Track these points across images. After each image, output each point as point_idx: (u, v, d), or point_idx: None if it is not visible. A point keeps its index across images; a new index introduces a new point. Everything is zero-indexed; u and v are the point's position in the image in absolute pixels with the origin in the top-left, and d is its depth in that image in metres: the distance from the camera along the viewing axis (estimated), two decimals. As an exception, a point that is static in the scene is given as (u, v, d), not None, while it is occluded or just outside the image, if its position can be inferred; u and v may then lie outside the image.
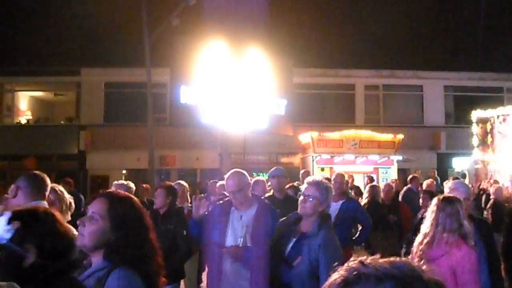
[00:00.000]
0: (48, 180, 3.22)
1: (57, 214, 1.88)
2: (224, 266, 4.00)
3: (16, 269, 1.61)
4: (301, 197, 3.53)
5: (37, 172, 3.27)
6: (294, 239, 3.51)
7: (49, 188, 3.26)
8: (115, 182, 6.32)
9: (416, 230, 3.80)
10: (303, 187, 3.64)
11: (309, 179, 3.69)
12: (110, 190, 3.08)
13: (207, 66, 12.89)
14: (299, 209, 3.53)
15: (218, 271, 4.04)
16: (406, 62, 20.16)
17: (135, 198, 2.26)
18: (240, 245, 3.96)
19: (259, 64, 13.95)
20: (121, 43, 17.82)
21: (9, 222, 1.68)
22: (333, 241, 3.42)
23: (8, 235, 1.66)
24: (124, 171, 17.72)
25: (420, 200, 6.68)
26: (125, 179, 7.47)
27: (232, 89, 13.16)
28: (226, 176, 4.15)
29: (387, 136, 15.00)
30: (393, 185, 8.57)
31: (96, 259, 2.03)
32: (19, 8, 18.73)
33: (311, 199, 3.45)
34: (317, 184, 3.52)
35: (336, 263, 3.06)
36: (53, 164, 17.87)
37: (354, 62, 19.51)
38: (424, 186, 8.41)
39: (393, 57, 20.20)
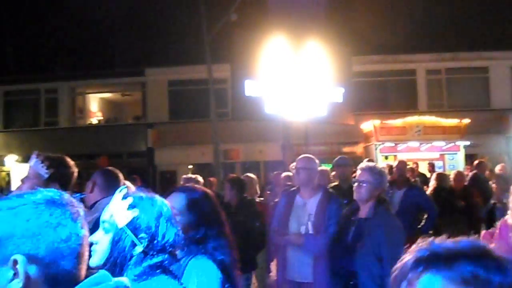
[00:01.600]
0: (121, 176, 3.36)
1: None
2: (288, 254, 4.09)
3: (125, 256, 1.63)
4: (355, 184, 3.59)
5: (110, 168, 3.45)
6: (354, 227, 3.56)
7: (122, 183, 3.33)
8: (184, 176, 6.47)
9: (490, 216, 3.73)
10: (357, 174, 3.69)
11: (362, 165, 3.75)
12: (186, 185, 3.18)
13: (267, 58, 13.04)
14: (354, 195, 3.60)
15: (283, 259, 4.14)
16: (469, 43, 19.26)
17: (209, 191, 2.37)
18: (303, 233, 4.02)
19: (318, 54, 13.94)
20: (182, 41, 18.34)
21: (129, 207, 1.69)
22: (393, 221, 3.47)
23: (126, 220, 1.67)
24: (190, 166, 18.29)
25: (493, 185, 6.46)
26: (192, 174, 7.73)
27: (292, 80, 13.23)
28: (299, 158, 4.25)
29: (452, 121, 14.55)
30: (467, 171, 8.28)
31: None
32: (87, 17, 19.68)
33: (365, 184, 3.49)
34: (370, 169, 3.57)
35: (398, 243, 3.13)
36: (123, 161, 18.75)
37: (414, 47, 18.91)
38: (497, 171, 8.10)
39: (455, 39, 19.38)
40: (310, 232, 3.99)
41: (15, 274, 0.96)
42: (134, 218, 1.67)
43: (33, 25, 20.80)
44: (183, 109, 19.21)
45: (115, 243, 1.65)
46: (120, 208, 1.69)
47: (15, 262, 0.96)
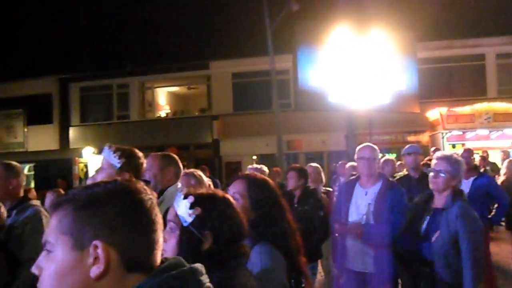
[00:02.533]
0: (180, 163, 3.42)
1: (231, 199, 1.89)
2: (348, 243, 4.09)
3: (194, 253, 1.64)
4: (432, 173, 3.49)
5: (167, 153, 3.52)
6: (429, 216, 3.50)
7: (181, 170, 3.44)
8: (250, 166, 6.57)
9: None
10: (432, 163, 3.60)
11: (438, 153, 3.67)
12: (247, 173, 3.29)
13: (330, 47, 12.98)
14: (430, 185, 3.51)
15: (342, 248, 4.14)
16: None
17: (270, 180, 2.40)
18: (363, 223, 3.98)
19: (382, 41, 13.73)
20: (245, 34, 18.65)
21: (191, 206, 1.71)
22: (470, 211, 3.38)
23: (190, 219, 1.70)
24: (254, 157, 18.63)
25: None
26: (256, 164, 7.91)
27: (356, 68, 13.12)
28: (359, 147, 4.25)
29: (525, 107, 13.87)
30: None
31: None
32: (154, 14, 20.46)
33: (442, 174, 3.41)
34: (447, 158, 3.49)
35: (478, 234, 3.17)
36: (190, 153, 19.44)
37: (482, 30, 18.04)
38: None
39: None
40: (371, 222, 3.96)
41: (96, 259, 0.99)
42: (198, 216, 1.70)
43: (105, 24, 21.94)
44: (247, 100, 19.56)
45: (182, 242, 1.69)
46: (183, 207, 1.72)
47: (95, 247, 0.99)
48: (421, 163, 6.06)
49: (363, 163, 4.14)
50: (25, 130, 22.01)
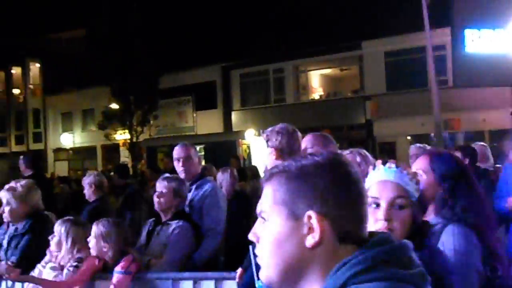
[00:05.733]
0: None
1: None
2: None
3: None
4: None
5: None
6: None
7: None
8: (413, 145, 6.37)
9: None
10: None
11: None
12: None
13: (492, 17, 11.95)
14: None
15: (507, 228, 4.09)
16: None
17: (454, 154, 2.39)
18: None
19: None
20: (397, 10, 18.21)
21: (417, 183, 1.76)
22: None
23: (417, 194, 1.73)
24: (409, 137, 18.31)
25: None
26: (410, 145, 7.87)
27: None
28: None
29: None
30: None
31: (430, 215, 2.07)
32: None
33: None
34: None
35: None
36: (344, 134, 19.80)
37: None
38: None
39: None
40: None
41: (310, 229, 1.02)
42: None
43: (260, 12, 23.26)
44: (400, 79, 19.18)
45: (414, 217, 1.74)
46: (411, 183, 1.76)
47: (309, 217, 1.02)
48: None
49: None
50: (194, 115, 24.66)
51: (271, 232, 1.06)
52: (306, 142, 3.17)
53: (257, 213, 1.11)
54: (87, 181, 5.50)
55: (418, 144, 6.31)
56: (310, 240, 1.02)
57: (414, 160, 5.83)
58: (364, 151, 3.23)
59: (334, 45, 20.58)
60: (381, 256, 0.99)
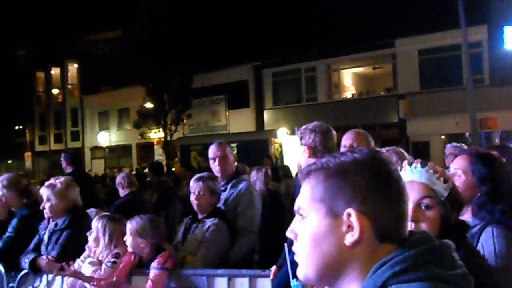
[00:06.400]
0: None
1: None
2: None
3: (443, 227, 1.62)
4: None
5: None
6: None
7: None
8: (449, 144, 6.33)
9: None
10: None
11: None
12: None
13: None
14: None
15: None
16: None
17: (494, 154, 2.32)
18: None
19: None
20: (431, 7, 17.97)
21: (445, 181, 1.68)
22: None
23: (446, 193, 1.67)
24: (443, 136, 18.02)
25: None
26: (444, 144, 7.79)
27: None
28: None
29: None
30: None
31: (466, 216, 2.01)
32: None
33: None
34: None
35: None
36: (376, 133, 19.58)
37: None
38: None
39: None
40: None
41: (349, 227, 1.00)
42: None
43: (290, 11, 23.32)
44: (434, 77, 18.89)
45: (443, 217, 1.68)
46: (438, 182, 1.69)
47: (349, 215, 1.00)
48: None
49: None
50: (227, 114, 24.92)
51: (309, 229, 1.05)
52: (349, 139, 3.17)
53: (294, 210, 1.10)
54: (117, 180, 6.20)
55: (454, 144, 6.20)
56: (349, 238, 1.00)
57: (450, 160, 5.68)
58: (401, 149, 3.19)
59: (367, 43, 20.44)
60: (423, 256, 0.97)
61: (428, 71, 19.10)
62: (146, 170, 16.36)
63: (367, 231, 1.00)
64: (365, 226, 1.00)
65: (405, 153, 3.06)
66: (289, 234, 1.10)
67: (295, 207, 1.10)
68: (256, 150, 17.19)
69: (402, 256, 0.96)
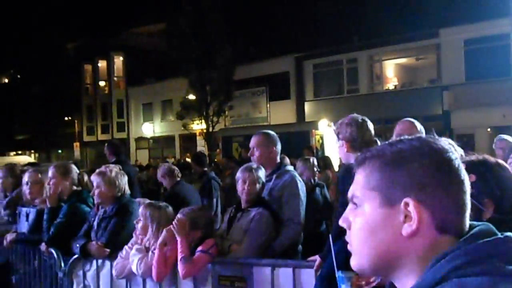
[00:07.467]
0: None
1: None
2: None
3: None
4: None
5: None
6: None
7: None
8: (497, 138, 6.09)
9: None
10: None
11: None
12: None
13: None
14: None
15: None
16: None
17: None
18: None
19: None
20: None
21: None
22: None
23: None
24: (488, 129, 17.61)
25: None
26: (490, 137, 7.62)
27: None
28: None
29: None
30: None
31: None
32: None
33: None
34: None
35: None
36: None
37: None
38: None
39: None
40: None
41: (406, 217, 0.96)
42: (473, 183, 1.73)
43: (329, 2, 23.23)
44: (480, 68, 18.39)
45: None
46: None
47: (406, 204, 0.96)
48: None
49: None
50: (268, 105, 25.13)
51: (364, 218, 1.00)
52: (403, 128, 3.26)
53: (348, 198, 1.07)
54: (160, 172, 6.67)
55: (503, 136, 5.94)
56: (406, 229, 0.95)
57: (501, 154, 5.60)
58: (451, 140, 3.14)
59: (410, 34, 20.14)
60: (485, 249, 0.91)
61: (474, 62, 18.61)
62: (189, 159, 16.79)
63: (426, 222, 0.95)
64: (424, 217, 0.95)
65: (455, 145, 3.12)
66: (341, 223, 1.07)
67: (349, 195, 1.06)
68: (297, 141, 17.30)
69: (463, 248, 0.91)
